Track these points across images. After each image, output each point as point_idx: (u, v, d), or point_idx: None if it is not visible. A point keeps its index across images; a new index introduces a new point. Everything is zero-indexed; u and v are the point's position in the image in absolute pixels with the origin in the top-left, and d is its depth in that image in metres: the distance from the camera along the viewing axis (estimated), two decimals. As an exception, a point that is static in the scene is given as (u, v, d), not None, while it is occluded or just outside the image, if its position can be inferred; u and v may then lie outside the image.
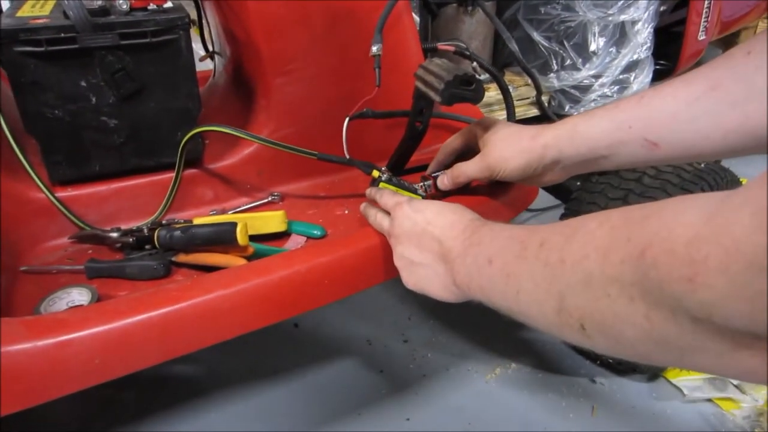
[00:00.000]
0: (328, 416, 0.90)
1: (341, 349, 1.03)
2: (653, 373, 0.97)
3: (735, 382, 0.97)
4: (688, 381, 0.96)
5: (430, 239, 0.51)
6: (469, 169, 0.63)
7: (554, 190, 0.97)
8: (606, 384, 0.96)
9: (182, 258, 0.62)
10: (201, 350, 0.52)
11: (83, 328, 0.47)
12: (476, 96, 0.61)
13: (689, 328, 0.27)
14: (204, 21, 0.94)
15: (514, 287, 0.40)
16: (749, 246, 0.23)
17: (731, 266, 0.24)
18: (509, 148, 0.59)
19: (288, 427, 0.88)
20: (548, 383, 0.96)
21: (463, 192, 0.70)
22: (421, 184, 0.69)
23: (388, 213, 0.58)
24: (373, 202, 0.63)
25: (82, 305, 0.56)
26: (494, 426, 0.89)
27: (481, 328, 1.08)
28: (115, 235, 0.67)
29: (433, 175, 0.70)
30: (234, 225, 0.58)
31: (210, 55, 0.98)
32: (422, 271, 0.52)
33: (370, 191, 0.65)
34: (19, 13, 0.65)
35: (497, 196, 0.72)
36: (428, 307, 1.13)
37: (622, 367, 0.95)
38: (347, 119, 0.70)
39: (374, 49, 0.64)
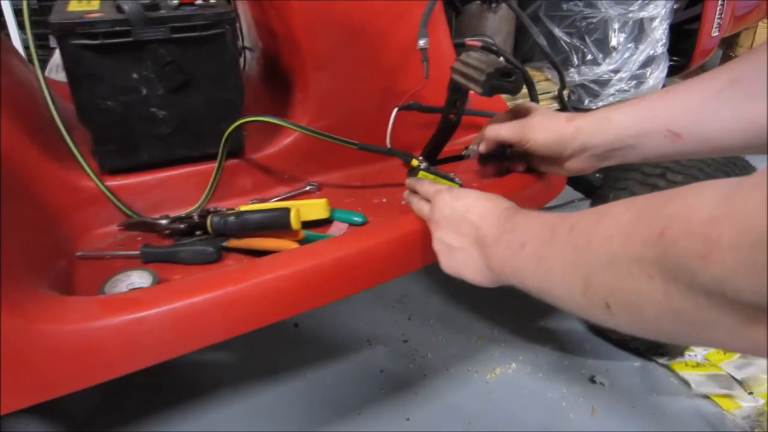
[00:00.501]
0: (328, 416, 0.90)
1: (341, 349, 1.03)
2: (654, 359, 0.98)
3: (739, 378, 0.98)
4: (694, 375, 0.96)
5: (468, 225, 0.53)
6: (503, 130, 0.66)
7: (577, 184, 0.99)
8: (606, 384, 0.96)
9: (233, 243, 0.65)
10: (201, 350, 0.53)
11: (156, 306, 0.50)
12: (516, 87, 0.63)
13: (704, 302, 0.29)
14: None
15: (544, 270, 0.42)
16: (758, 226, 0.25)
17: (742, 244, 0.26)
18: (545, 122, 0.62)
19: (288, 427, 0.88)
20: (548, 383, 0.96)
21: (499, 175, 0.73)
22: (470, 147, 0.74)
23: (428, 200, 0.61)
24: (414, 191, 0.66)
25: (144, 287, 0.58)
26: (494, 426, 0.89)
27: (482, 328, 1.08)
28: (164, 222, 0.69)
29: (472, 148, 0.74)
30: (288, 210, 0.61)
31: (240, 50, 1.00)
32: (459, 256, 0.54)
33: (410, 181, 0.67)
34: (70, 8, 0.67)
35: (528, 186, 0.74)
36: (428, 308, 1.13)
37: (644, 348, 0.95)
38: (395, 109, 0.72)
39: (421, 42, 0.67)
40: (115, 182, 0.71)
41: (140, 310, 0.49)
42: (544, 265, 0.42)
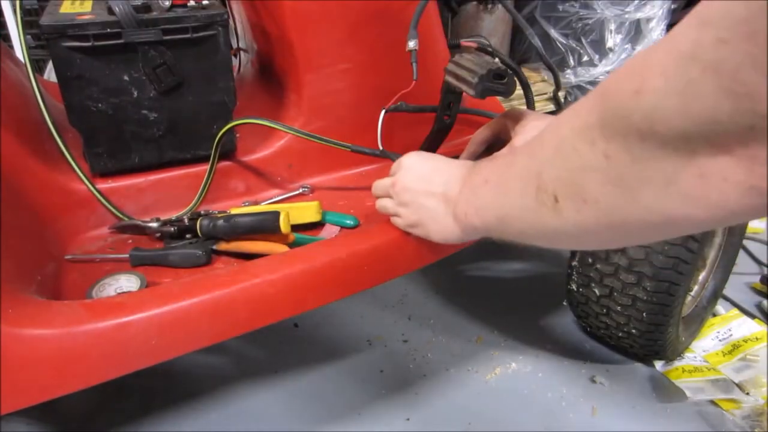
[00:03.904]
0: (329, 416, 0.89)
1: (341, 349, 1.02)
2: (658, 363, 0.98)
3: (737, 381, 0.97)
4: (690, 383, 0.96)
5: (436, 185, 0.55)
6: (486, 128, 0.66)
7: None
8: (606, 384, 0.96)
9: (223, 246, 0.64)
10: (200, 351, 0.53)
11: (140, 311, 0.49)
12: (508, 89, 0.63)
13: (638, 152, 0.30)
14: (229, 18, 0.96)
15: (503, 191, 0.44)
16: (683, 42, 0.26)
17: (668, 64, 0.27)
18: (534, 121, 0.61)
19: (288, 427, 0.87)
20: (548, 383, 0.96)
21: None
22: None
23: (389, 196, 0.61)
24: (376, 195, 0.64)
25: (130, 291, 0.58)
26: (494, 426, 0.88)
27: (481, 328, 1.08)
28: (155, 225, 0.69)
29: None
30: (277, 214, 0.60)
31: (235, 51, 1.00)
32: (425, 214, 0.56)
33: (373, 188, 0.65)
34: (62, 10, 0.67)
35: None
36: (428, 307, 1.13)
37: (636, 344, 0.95)
38: (383, 111, 0.72)
39: (411, 44, 0.66)
40: (106, 185, 0.71)
41: (125, 314, 0.48)
42: (503, 188, 0.44)
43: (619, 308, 0.89)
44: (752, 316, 1.11)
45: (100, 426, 0.87)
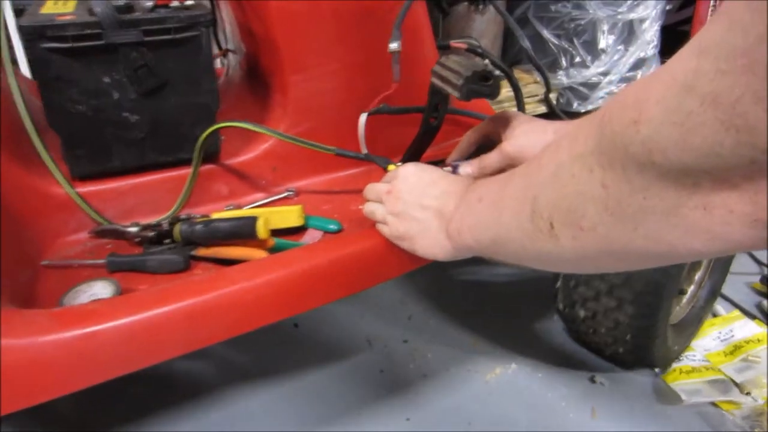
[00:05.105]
0: (328, 416, 0.90)
1: (341, 349, 1.03)
2: (654, 369, 0.98)
3: (738, 381, 0.96)
4: (687, 385, 0.96)
5: (431, 198, 0.53)
6: (492, 160, 0.64)
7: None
8: (606, 384, 0.96)
9: (202, 252, 0.63)
10: (200, 350, 0.52)
11: (110, 320, 0.48)
12: (493, 91, 0.62)
13: (638, 182, 0.29)
14: (218, 18, 0.95)
15: (498, 211, 0.43)
16: (681, 72, 0.25)
17: (667, 94, 0.26)
18: (532, 140, 0.60)
19: (288, 427, 0.87)
20: (548, 383, 0.96)
21: None
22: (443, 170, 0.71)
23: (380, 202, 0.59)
24: (367, 199, 0.63)
25: (104, 298, 0.56)
26: (494, 426, 0.89)
27: (482, 328, 1.07)
28: (134, 229, 0.67)
29: (453, 163, 0.71)
30: (255, 219, 0.59)
31: (223, 52, 0.99)
32: (415, 227, 0.55)
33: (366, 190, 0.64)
34: (43, 10, 0.66)
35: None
36: (428, 308, 1.13)
37: (626, 359, 0.95)
38: (364, 115, 0.71)
39: (393, 45, 0.65)
40: (86, 188, 0.70)
41: (92, 324, 0.47)
42: (498, 207, 0.43)
43: (603, 330, 0.91)
44: (752, 316, 1.11)
45: (99, 426, 0.87)
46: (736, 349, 1.03)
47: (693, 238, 0.28)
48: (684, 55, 0.26)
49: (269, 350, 1.02)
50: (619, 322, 0.87)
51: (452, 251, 0.52)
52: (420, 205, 0.54)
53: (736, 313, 1.12)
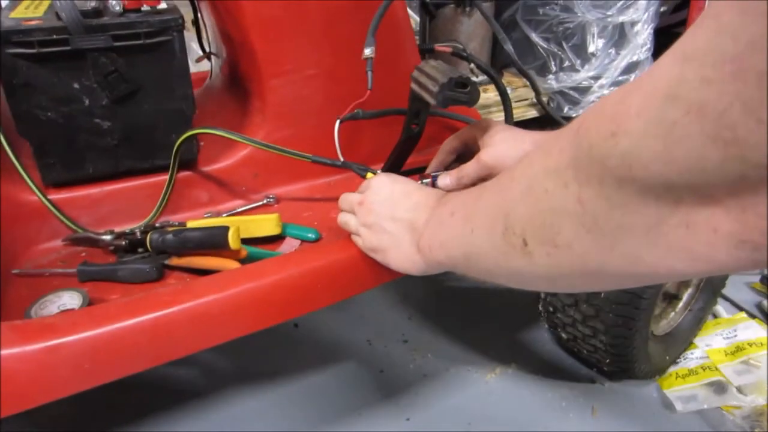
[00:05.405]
0: (328, 416, 0.90)
1: (341, 350, 1.03)
2: (647, 377, 0.97)
3: (736, 384, 0.95)
4: (682, 391, 0.95)
5: (403, 210, 0.52)
6: (470, 170, 0.62)
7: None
8: (606, 384, 0.96)
9: (175, 261, 0.62)
10: (200, 351, 0.52)
11: (73, 333, 0.47)
12: (471, 99, 0.60)
13: (616, 198, 0.27)
14: (201, 22, 0.94)
15: (470, 226, 0.42)
16: (664, 80, 0.24)
17: (648, 105, 0.24)
18: (510, 150, 0.59)
19: (288, 428, 0.88)
20: (548, 383, 0.96)
21: None
22: (420, 182, 0.69)
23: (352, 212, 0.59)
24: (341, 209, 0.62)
25: (73, 309, 0.55)
26: (494, 426, 0.89)
27: (482, 328, 1.07)
28: (108, 237, 0.66)
29: (432, 174, 0.69)
30: (226, 229, 0.58)
31: (207, 56, 0.97)
32: (386, 240, 0.54)
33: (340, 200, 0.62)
34: (13, 14, 0.64)
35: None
36: (428, 308, 1.13)
37: (615, 370, 0.95)
38: (338, 121, 0.69)
39: (366, 51, 0.63)
40: (59, 195, 0.68)
41: (54, 337, 0.46)
42: (469, 223, 0.42)
43: (585, 352, 0.93)
44: (752, 316, 1.10)
45: (99, 426, 0.87)
46: (738, 350, 1.02)
47: (674, 258, 0.27)
48: (666, 61, 0.24)
49: (269, 350, 1.02)
50: (597, 348, 0.88)
51: (424, 266, 0.50)
52: (392, 218, 0.53)
53: (741, 314, 1.11)
